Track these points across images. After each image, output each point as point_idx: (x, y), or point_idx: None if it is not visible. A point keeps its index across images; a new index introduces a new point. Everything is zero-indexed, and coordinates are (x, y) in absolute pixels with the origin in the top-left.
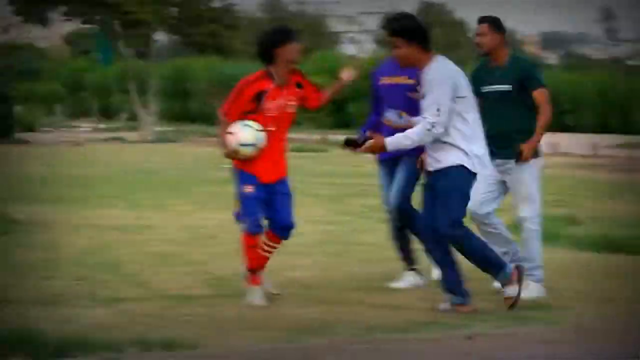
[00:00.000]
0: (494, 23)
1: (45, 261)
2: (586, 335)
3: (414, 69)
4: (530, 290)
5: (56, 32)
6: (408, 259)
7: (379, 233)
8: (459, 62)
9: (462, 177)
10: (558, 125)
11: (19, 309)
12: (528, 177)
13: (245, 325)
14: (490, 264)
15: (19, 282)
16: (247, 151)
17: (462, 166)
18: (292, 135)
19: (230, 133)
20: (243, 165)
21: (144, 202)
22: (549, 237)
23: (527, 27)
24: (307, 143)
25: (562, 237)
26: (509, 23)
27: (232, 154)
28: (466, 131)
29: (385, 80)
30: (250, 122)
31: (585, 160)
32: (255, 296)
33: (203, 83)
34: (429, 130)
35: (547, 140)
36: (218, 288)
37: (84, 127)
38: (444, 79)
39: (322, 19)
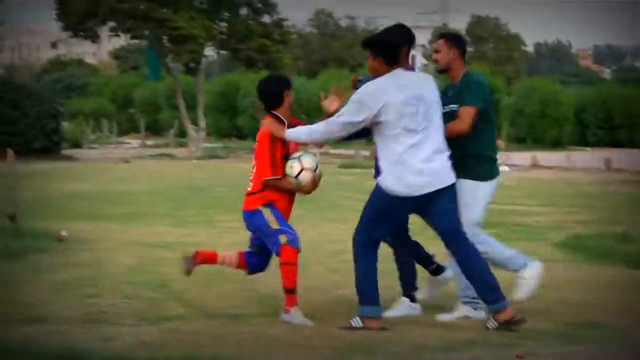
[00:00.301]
0: (451, 39)
1: (91, 279)
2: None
3: None
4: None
5: (104, 48)
6: (403, 285)
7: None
8: (512, 77)
9: (378, 194)
10: (611, 140)
11: (63, 328)
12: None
13: (291, 344)
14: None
15: (64, 299)
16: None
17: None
18: (341, 151)
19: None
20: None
21: (191, 219)
22: (601, 254)
23: (581, 40)
24: (356, 159)
25: (614, 255)
26: (562, 36)
27: (314, 182)
28: (396, 155)
29: None
30: (303, 152)
31: (639, 176)
32: (300, 317)
33: (252, 98)
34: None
35: (600, 156)
36: (264, 306)
37: (132, 144)
38: (369, 94)
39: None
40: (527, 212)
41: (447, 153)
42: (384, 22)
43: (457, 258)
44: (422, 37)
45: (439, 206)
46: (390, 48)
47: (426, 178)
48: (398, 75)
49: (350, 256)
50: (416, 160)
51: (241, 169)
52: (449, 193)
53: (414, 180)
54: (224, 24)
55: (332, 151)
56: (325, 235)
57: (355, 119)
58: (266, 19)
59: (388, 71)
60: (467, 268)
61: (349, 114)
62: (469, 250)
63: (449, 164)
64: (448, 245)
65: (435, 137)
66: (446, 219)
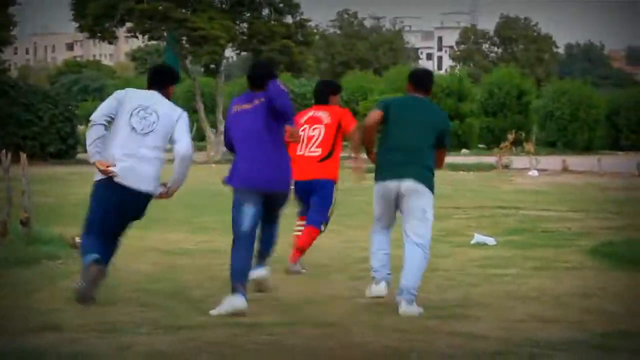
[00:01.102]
0: None
1: (106, 286)
2: None
3: None
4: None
5: (122, 49)
6: None
7: (455, 258)
8: (542, 79)
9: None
10: None
11: (78, 336)
12: None
13: (315, 354)
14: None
15: (79, 307)
16: None
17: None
18: (365, 156)
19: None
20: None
21: (209, 225)
22: (633, 261)
23: (614, 41)
24: None
25: None
26: (594, 37)
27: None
28: None
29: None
30: None
31: None
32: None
33: None
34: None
35: (632, 160)
36: (286, 315)
37: None
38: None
39: (399, 34)
40: (557, 217)
41: None
42: (411, 23)
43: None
44: (450, 38)
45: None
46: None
47: None
48: None
49: None
50: None
51: None
52: None
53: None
54: (245, 25)
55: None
56: (348, 243)
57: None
58: (288, 19)
59: None
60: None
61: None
62: None
63: None
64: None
65: None
66: None
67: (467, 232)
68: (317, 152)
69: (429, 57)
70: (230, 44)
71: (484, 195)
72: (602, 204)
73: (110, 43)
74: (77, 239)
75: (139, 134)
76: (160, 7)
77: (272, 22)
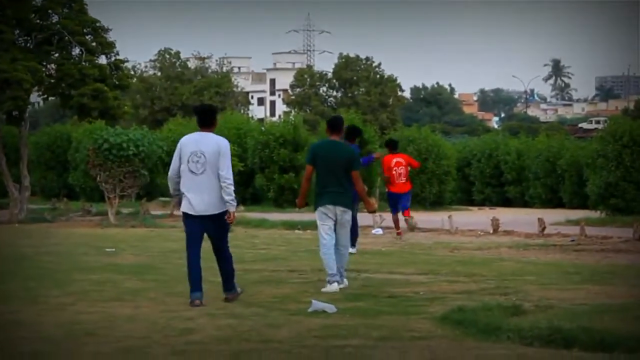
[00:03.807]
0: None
1: None
2: None
3: None
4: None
5: None
6: None
7: (291, 327)
8: (386, 125)
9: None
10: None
11: None
12: None
13: None
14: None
15: None
16: None
17: None
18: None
19: None
20: None
21: (12, 294)
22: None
23: (464, 84)
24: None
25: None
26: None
27: None
28: None
29: None
30: None
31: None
32: None
33: (85, 152)
34: None
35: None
36: None
37: None
38: None
39: (227, 76)
40: (404, 281)
41: None
42: (241, 64)
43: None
44: (284, 81)
45: None
46: None
47: None
48: None
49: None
50: None
51: (72, 234)
52: None
53: None
54: (53, 66)
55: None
56: (169, 312)
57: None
58: (102, 60)
59: None
60: None
61: None
62: None
63: None
64: None
65: None
66: None
67: (303, 298)
68: None
69: (261, 101)
70: (36, 88)
71: None
72: (452, 265)
73: None
74: None
75: None
76: None
77: (84, 63)
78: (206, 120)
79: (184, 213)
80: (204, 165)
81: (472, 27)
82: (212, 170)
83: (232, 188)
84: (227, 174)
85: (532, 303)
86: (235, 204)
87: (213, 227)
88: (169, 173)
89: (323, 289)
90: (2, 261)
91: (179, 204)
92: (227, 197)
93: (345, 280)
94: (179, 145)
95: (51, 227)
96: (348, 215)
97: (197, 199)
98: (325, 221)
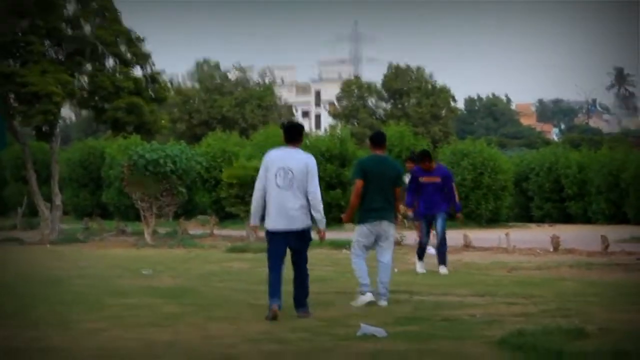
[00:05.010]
0: None
1: None
2: None
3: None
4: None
5: None
6: None
7: (338, 352)
8: (438, 138)
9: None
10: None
11: None
12: None
13: None
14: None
15: None
16: None
17: None
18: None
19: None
20: None
21: (42, 319)
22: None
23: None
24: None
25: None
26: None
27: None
28: None
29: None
30: None
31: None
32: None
33: (120, 169)
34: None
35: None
36: None
37: None
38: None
39: (269, 88)
40: (458, 303)
41: None
42: (284, 74)
43: None
44: (329, 92)
45: None
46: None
47: None
48: None
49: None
50: None
51: (106, 256)
52: None
53: None
54: (85, 79)
55: (217, 232)
56: (210, 339)
57: None
58: (137, 72)
59: None
60: None
61: None
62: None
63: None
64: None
65: None
66: None
67: (351, 321)
68: None
69: (306, 114)
70: (67, 102)
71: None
72: (510, 286)
73: None
74: None
75: None
76: None
77: (118, 75)
78: (294, 136)
79: (267, 231)
80: (292, 181)
81: (528, 35)
82: (298, 187)
83: (322, 206)
84: (316, 191)
85: (595, 326)
86: (325, 221)
87: (295, 242)
88: (255, 193)
89: (353, 303)
90: (32, 285)
91: (257, 222)
92: (317, 215)
93: (384, 301)
94: (264, 161)
95: (84, 248)
96: (393, 230)
97: (282, 214)
98: (367, 238)
